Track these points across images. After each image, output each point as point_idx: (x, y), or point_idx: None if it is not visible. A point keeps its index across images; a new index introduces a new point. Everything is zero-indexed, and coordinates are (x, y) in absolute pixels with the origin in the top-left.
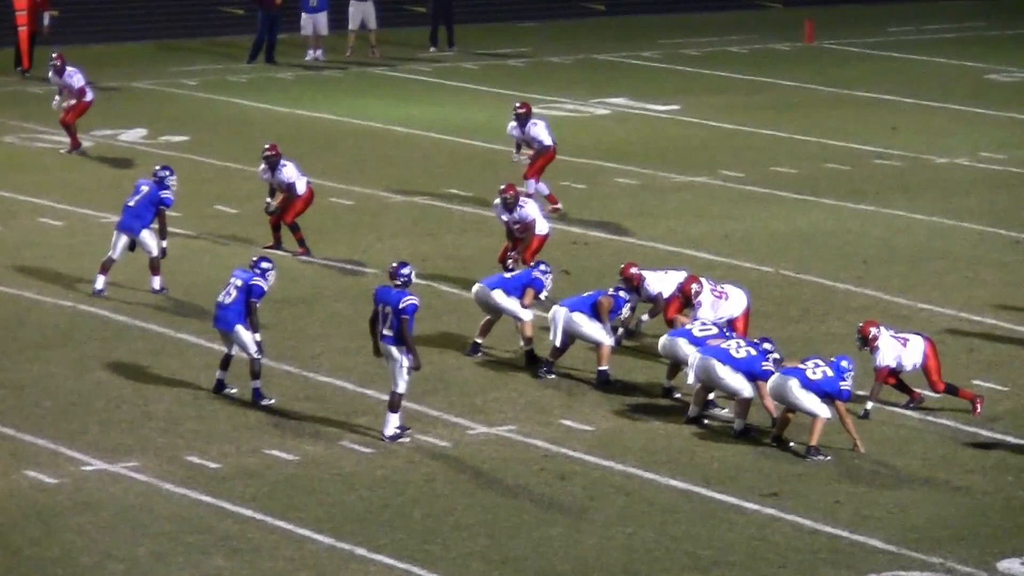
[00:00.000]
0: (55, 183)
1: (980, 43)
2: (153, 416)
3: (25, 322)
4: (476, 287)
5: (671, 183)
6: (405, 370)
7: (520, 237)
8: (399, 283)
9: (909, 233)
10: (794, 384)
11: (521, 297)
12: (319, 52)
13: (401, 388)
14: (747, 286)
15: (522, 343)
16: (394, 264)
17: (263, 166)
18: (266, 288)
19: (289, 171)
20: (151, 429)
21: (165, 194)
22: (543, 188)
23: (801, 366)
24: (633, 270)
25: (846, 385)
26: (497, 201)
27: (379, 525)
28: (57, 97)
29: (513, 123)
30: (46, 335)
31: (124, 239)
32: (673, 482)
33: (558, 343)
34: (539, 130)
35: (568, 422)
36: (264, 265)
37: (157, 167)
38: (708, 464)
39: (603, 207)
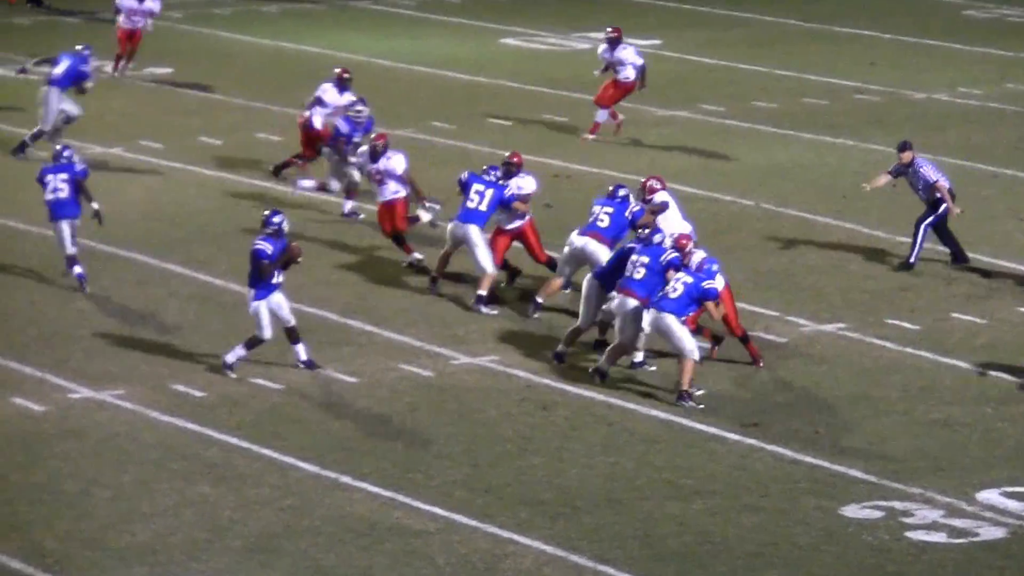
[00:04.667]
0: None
1: None
2: (138, 345)
3: (10, 251)
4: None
5: (652, 117)
6: None
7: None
8: None
9: (887, 167)
10: (672, 320)
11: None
12: None
13: None
14: (728, 219)
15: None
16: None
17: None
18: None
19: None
20: (136, 358)
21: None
22: (602, 116)
23: (671, 293)
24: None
25: (711, 284)
26: (364, 148)
27: (363, 454)
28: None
29: (604, 46)
30: (31, 264)
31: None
32: (654, 412)
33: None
34: (628, 53)
35: (550, 353)
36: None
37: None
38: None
39: (589, 142)
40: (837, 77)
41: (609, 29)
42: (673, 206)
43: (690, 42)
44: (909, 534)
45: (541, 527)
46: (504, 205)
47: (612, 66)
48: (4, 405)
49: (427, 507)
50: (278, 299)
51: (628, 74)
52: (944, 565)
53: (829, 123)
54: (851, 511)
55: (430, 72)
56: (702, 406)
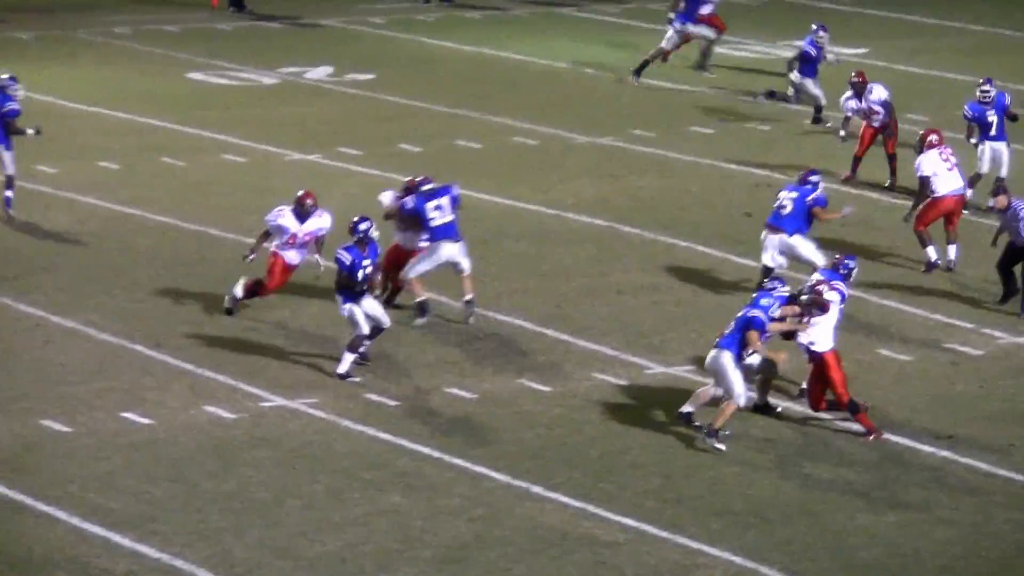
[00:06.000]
0: (239, 120)
1: None
2: (333, 354)
3: (207, 258)
4: None
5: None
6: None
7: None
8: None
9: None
10: (727, 359)
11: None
12: None
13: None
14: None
15: None
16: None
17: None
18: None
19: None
20: (331, 367)
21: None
22: None
23: (726, 330)
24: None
25: (755, 313)
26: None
27: (555, 463)
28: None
29: None
30: (228, 271)
31: None
32: (849, 424)
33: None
34: None
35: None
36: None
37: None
38: (883, 407)
39: (788, 149)
40: None
41: None
42: (934, 159)
43: (898, 50)
44: None
45: (732, 538)
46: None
47: None
48: (197, 413)
49: (618, 518)
50: (369, 304)
51: None
52: None
53: None
54: None
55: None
56: (723, 448)
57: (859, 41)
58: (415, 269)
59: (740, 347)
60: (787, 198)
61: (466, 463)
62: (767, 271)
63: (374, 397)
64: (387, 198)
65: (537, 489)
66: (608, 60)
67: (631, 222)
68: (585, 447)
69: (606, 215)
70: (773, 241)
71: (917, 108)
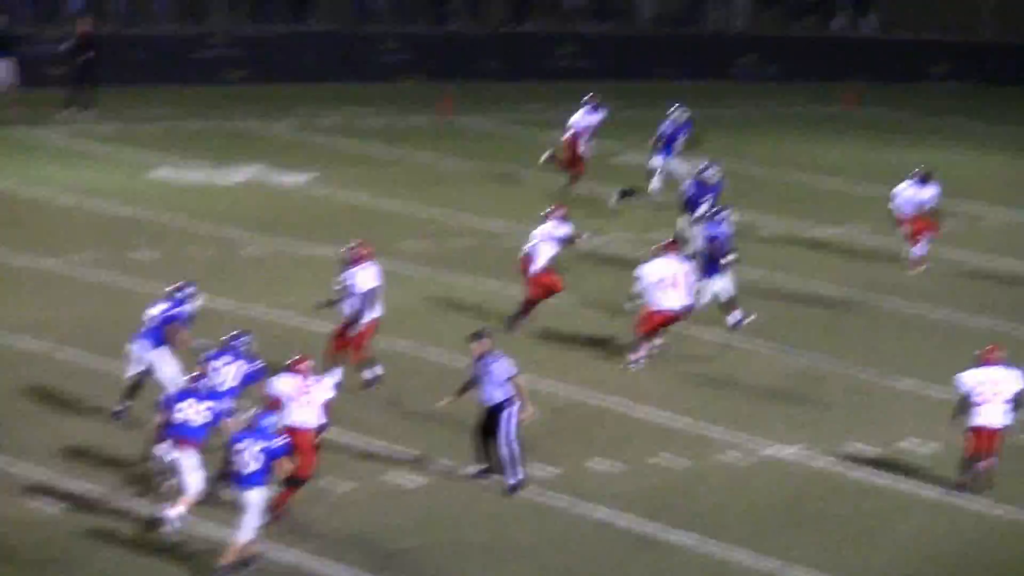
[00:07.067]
0: None
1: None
2: None
3: None
4: None
5: (300, 254)
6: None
7: None
8: None
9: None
10: (256, 497)
11: None
12: None
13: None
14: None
15: None
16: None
17: None
18: None
19: None
20: None
21: None
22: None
23: (251, 466)
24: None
25: (279, 443)
26: None
27: None
28: None
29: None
30: None
31: None
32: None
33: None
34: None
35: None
36: None
37: None
38: (324, 536)
39: (233, 276)
40: (504, 216)
41: None
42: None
43: (343, 178)
44: None
45: None
46: None
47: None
48: None
49: None
50: None
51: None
52: None
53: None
54: None
55: (78, 202)
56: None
57: (304, 167)
58: None
59: (268, 473)
60: (155, 311)
61: None
62: (136, 385)
63: None
64: None
65: None
66: (55, 180)
67: (72, 344)
68: None
69: (47, 338)
70: (137, 352)
71: (362, 236)
